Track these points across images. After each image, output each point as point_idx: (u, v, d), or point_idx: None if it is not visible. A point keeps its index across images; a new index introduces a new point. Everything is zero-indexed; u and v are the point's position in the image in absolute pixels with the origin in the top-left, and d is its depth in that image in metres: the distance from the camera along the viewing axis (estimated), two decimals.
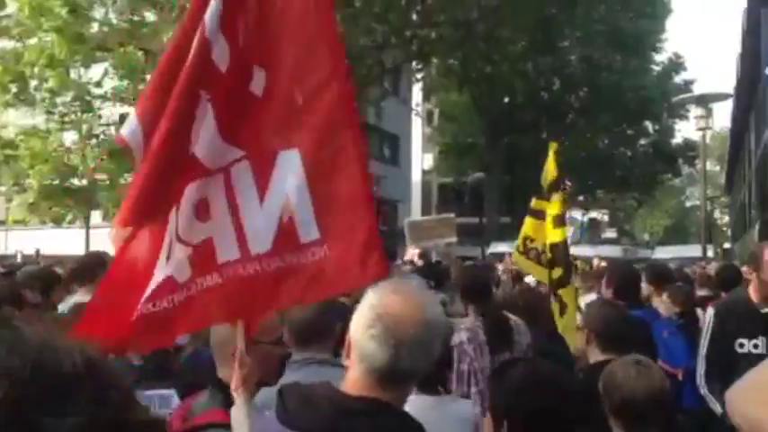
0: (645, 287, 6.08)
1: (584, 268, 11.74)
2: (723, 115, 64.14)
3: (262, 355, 2.51)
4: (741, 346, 3.83)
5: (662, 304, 5.66)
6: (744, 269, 9.62)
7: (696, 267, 12.75)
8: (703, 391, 3.87)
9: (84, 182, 18.37)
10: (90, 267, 5.00)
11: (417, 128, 36.56)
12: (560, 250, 4.14)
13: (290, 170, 2.68)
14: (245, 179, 2.65)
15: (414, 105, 29.60)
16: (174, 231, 2.56)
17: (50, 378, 0.62)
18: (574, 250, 26.07)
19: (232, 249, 2.60)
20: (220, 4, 2.59)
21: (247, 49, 2.68)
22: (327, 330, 3.12)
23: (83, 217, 19.77)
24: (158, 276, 2.54)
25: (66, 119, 17.87)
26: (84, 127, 18.03)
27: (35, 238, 21.76)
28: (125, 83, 16.81)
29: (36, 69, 16.19)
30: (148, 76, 16.34)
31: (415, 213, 32.68)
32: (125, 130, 2.62)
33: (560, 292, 3.97)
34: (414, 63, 21.29)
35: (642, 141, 31.79)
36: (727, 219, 59.14)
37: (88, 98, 17.38)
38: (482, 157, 28.38)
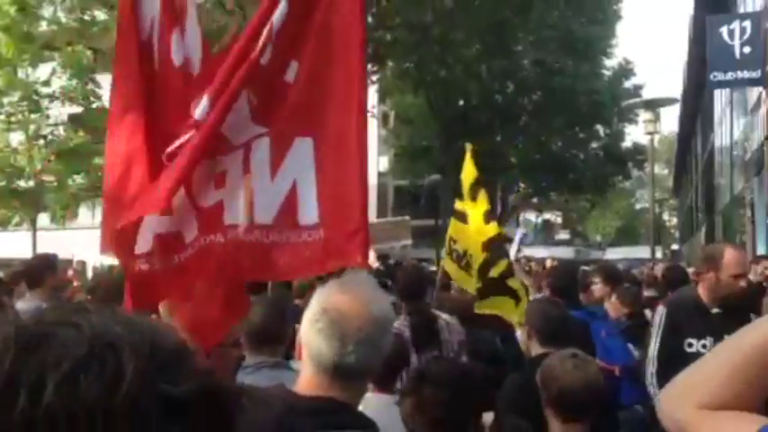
0: (598, 288, 6.23)
1: (537, 270, 11.91)
2: (671, 120, 65.69)
3: (220, 357, 2.50)
4: (690, 345, 3.83)
5: (611, 305, 5.80)
6: (691, 270, 9.89)
7: (645, 268, 13.04)
8: (653, 390, 3.84)
9: (32, 183, 17.93)
10: (38, 270, 4.89)
11: (373, 130, 36.58)
12: (497, 244, 4.18)
13: (302, 156, 2.90)
14: (261, 152, 2.87)
15: (369, 108, 29.58)
16: (189, 198, 2.69)
17: (165, 353, 0.69)
18: (528, 251, 26.45)
19: (239, 214, 2.79)
20: (287, 7, 2.83)
21: (287, 43, 2.90)
22: (281, 334, 3.14)
23: (29, 219, 19.30)
24: (159, 229, 2.61)
25: (13, 119, 17.39)
26: (32, 127, 17.57)
27: None
28: (74, 82, 16.44)
29: None
30: (97, 76, 16.12)
31: (371, 216, 32.57)
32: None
33: (509, 283, 4.00)
34: (369, 65, 21.34)
35: (594, 144, 32.34)
36: (675, 221, 60.63)
37: (36, 98, 16.95)
38: (437, 160, 28.55)
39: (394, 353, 2.27)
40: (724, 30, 12.99)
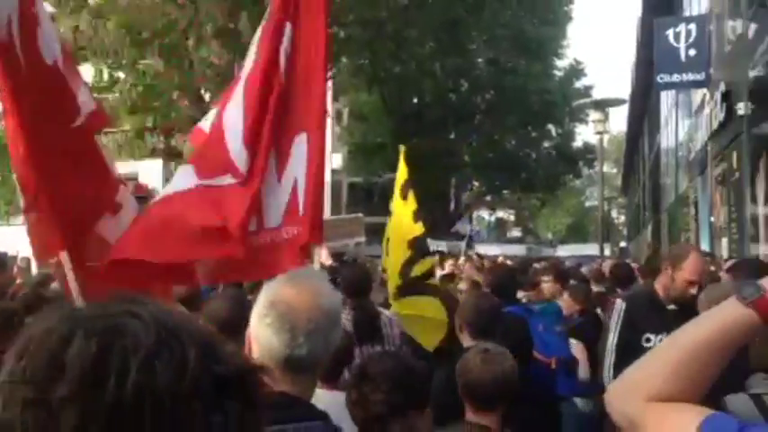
0: (548, 286, 6.39)
1: (490, 267, 12.02)
2: (620, 120, 67.10)
3: None
4: (648, 340, 3.84)
5: (564, 302, 5.94)
6: (635, 265, 10.12)
7: (595, 265, 13.28)
8: (609, 381, 3.81)
9: None
10: None
11: (327, 127, 36.41)
12: (422, 243, 4.26)
13: (300, 152, 3.03)
14: (272, 158, 3.03)
15: None
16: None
17: (208, 338, 0.77)
18: (481, 249, 26.67)
19: (252, 222, 2.93)
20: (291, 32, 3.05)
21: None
22: (239, 327, 3.13)
23: None
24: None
25: None
26: None
27: None
28: None
29: None
30: None
31: (325, 213, 32.46)
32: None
33: (432, 282, 4.05)
34: None
35: (546, 144, 32.87)
36: (623, 219, 61.93)
37: None
38: (391, 157, 28.63)
39: (340, 347, 2.29)
40: (670, 32, 13.32)
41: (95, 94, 15.97)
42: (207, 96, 14.81)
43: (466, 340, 3.39)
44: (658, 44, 13.68)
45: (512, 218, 57.47)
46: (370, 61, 22.40)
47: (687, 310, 3.49)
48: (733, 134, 11.75)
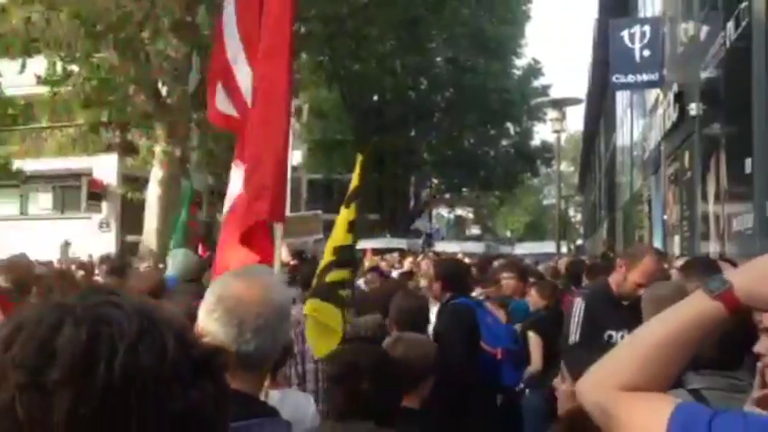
0: (510, 283, 6.54)
1: None
2: (578, 119, 68.11)
3: None
4: (610, 337, 3.87)
5: (531, 298, 6.23)
6: (587, 262, 10.27)
7: (551, 263, 13.47)
8: None
9: None
10: None
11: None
12: (346, 253, 4.28)
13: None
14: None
15: None
16: None
17: (181, 324, 0.85)
18: (440, 247, 26.73)
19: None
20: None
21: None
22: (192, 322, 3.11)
23: None
24: None
25: None
26: None
27: None
28: None
29: None
30: None
31: (287, 212, 32.28)
32: None
33: (342, 293, 4.08)
34: None
35: (504, 142, 33.20)
36: (580, 217, 62.94)
37: None
38: (351, 155, 28.61)
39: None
40: (625, 33, 13.55)
41: (48, 88, 15.53)
42: (164, 91, 14.56)
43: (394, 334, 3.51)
44: (613, 45, 13.91)
45: (471, 216, 57.94)
46: (330, 58, 22.33)
47: (639, 305, 3.55)
48: (685, 134, 12.02)
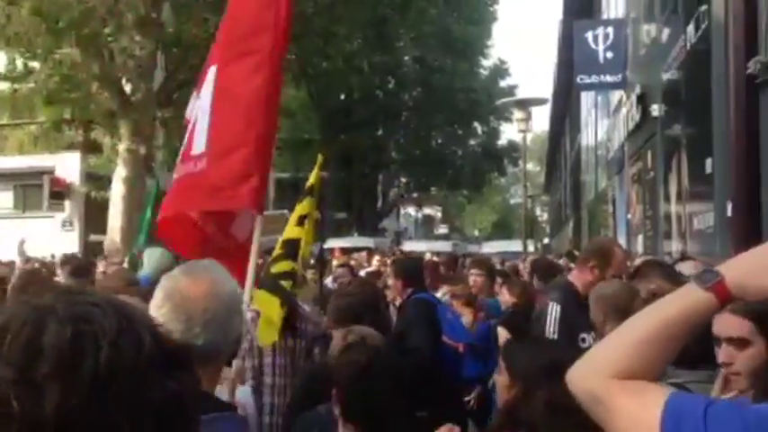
0: (478, 280, 6.62)
1: None
2: (544, 119, 68.80)
3: None
4: (583, 341, 3.78)
5: (501, 296, 6.38)
6: (562, 260, 10.41)
7: (519, 261, 13.60)
8: None
9: None
10: None
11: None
12: (292, 248, 4.37)
13: (208, 85, 3.01)
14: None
15: None
16: None
17: (153, 321, 0.93)
18: (408, 245, 26.65)
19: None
20: None
21: None
22: None
23: None
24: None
25: None
26: None
27: None
28: None
29: None
30: None
31: None
32: None
33: (284, 283, 4.17)
34: None
35: (472, 141, 33.39)
36: (546, 216, 63.56)
37: None
38: (319, 153, 28.53)
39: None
40: (589, 35, 13.74)
41: (9, 84, 15.16)
42: (128, 88, 14.35)
43: (336, 338, 3.48)
44: (578, 46, 14.09)
45: (439, 215, 58.15)
46: (297, 56, 22.23)
47: None
48: (648, 134, 12.22)
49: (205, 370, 1.67)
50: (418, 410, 2.79)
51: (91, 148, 19.52)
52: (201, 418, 1.52)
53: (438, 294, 6.38)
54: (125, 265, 7.65)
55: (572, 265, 8.26)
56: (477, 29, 29.85)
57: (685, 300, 1.16)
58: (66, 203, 22.95)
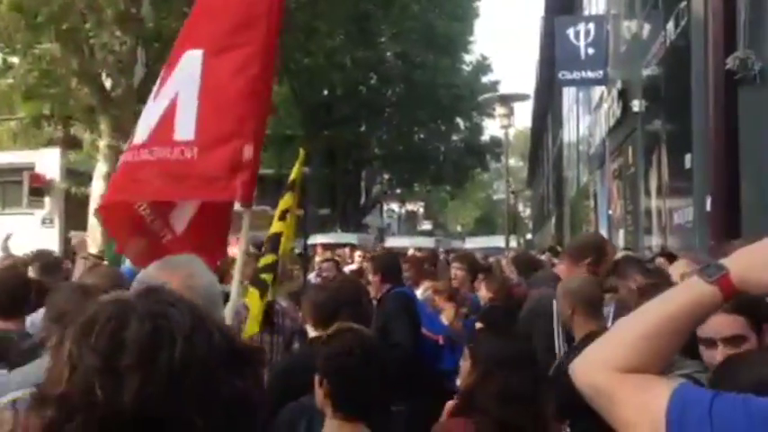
0: (460, 275, 6.63)
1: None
2: (526, 115, 69.05)
3: None
4: None
5: (480, 292, 6.31)
6: (544, 256, 10.46)
7: (502, 256, 13.67)
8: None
9: None
10: None
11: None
12: (275, 241, 4.44)
13: (188, 68, 2.89)
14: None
15: None
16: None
17: (218, 319, 1.14)
18: (391, 241, 26.62)
19: (133, 137, 3.00)
20: None
21: None
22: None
23: None
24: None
25: None
26: None
27: None
28: None
29: None
30: None
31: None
32: None
33: (264, 276, 4.23)
34: None
35: (454, 137, 33.42)
36: (529, 211, 63.82)
37: None
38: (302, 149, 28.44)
39: None
40: (571, 31, 13.81)
41: None
42: (108, 84, 14.21)
43: (310, 331, 3.49)
44: (560, 42, 14.15)
45: (422, 211, 58.21)
46: (279, 52, 22.13)
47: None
48: (629, 130, 12.31)
49: None
50: (395, 405, 2.81)
51: (71, 144, 19.34)
52: None
53: (420, 290, 6.42)
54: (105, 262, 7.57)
55: (555, 260, 8.33)
56: (459, 25, 29.85)
57: (690, 294, 1.16)
58: (47, 200, 22.70)
